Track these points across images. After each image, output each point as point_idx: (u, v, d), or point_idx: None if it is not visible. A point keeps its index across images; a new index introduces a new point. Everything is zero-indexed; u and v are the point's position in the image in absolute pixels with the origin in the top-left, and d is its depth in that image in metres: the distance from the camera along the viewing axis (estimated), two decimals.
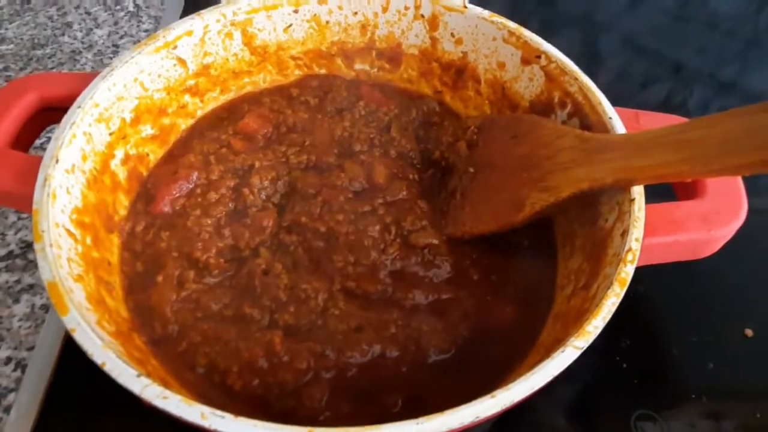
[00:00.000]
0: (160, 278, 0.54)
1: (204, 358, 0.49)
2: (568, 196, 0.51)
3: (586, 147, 0.51)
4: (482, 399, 0.38)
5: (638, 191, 0.50)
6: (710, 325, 0.63)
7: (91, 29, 1.01)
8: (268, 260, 0.55)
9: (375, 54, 0.72)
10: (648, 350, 0.61)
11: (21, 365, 0.62)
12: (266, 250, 0.56)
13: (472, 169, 0.61)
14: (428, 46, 0.70)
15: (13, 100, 0.57)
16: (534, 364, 0.41)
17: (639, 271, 0.46)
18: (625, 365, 0.59)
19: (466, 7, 0.66)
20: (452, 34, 0.68)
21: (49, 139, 0.52)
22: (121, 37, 1.00)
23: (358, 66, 0.73)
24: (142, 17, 1.04)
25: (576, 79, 0.58)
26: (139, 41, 0.67)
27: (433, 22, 0.68)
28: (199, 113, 0.68)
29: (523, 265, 0.58)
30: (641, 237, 0.48)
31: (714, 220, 0.53)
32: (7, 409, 0.58)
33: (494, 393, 0.39)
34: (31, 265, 0.70)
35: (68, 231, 0.49)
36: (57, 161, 0.50)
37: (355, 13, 0.70)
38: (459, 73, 0.70)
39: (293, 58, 0.72)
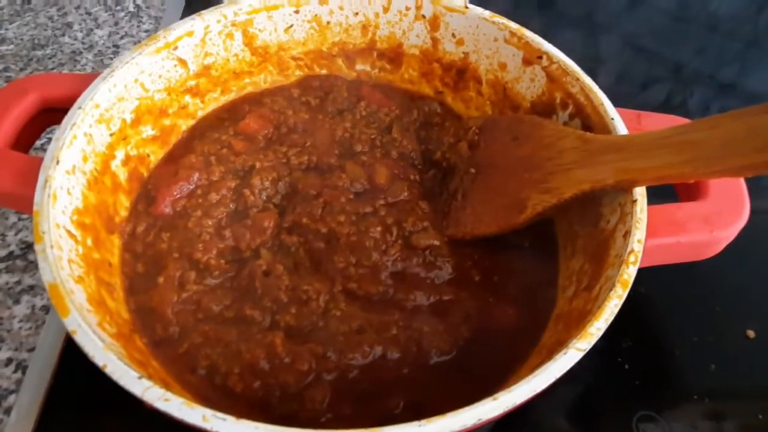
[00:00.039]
0: (161, 279, 0.53)
1: (205, 359, 0.49)
2: (570, 197, 0.51)
3: (587, 148, 0.51)
4: (484, 401, 0.38)
5: (640, 192, 0.50)
6: (712, 326, 0.63)
7: (92, 30, 1.01)
8: (269, 261, 0.55)
9: (376, 54, 0.72)
10: (650, 351, 0.61)
11: (21, 366, 0.62)
12: (267, 251, 0.56)
13: (473, 170, 0.61)
14: (429, 47, 0.70)
15: (14, 100, 0.57)
16: (536, 365, 0.41)
17: (640, 272, 0.46)
18: (626, 366, 0.59)
19: (467, 7, 0.66)
20: (453, 35, 0.68)
21: (50, 140, 0.52)
22: (122, 38, 1.00)
23: (359, 66, 0.73)
24: (142, 17, 1.04)
25: (578, 79, 0.58)
26: (139, 42, 0.66)
27: (434, 23, 0.68)
28: (200, 114, 0.68)
29: (525, 266, 0.58)
30: (643, 238, 0.48)
31: (716, 221, 0.53)
32: (8, 411, 0.58)
33: (496, 395, 0.39)
34: (32, 266, 0.69)
35: (69, 232, 0.49)
36: (58, 162, 0.50)
37: (356, 14, 0.70)
38: (460, 73, 0.70)
39: (294, 58, 0.72)
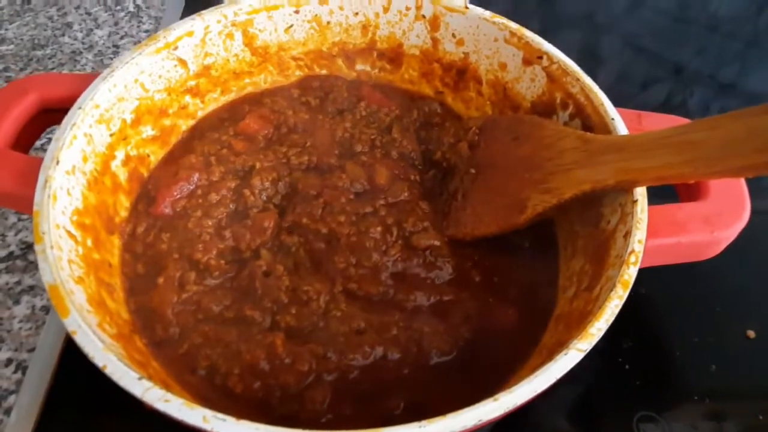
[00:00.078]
0: (161, 280, 0.53)
1: (205, 360, 0.49)
2: (570, 197, 0.51)
3: (588, 148, 0.51)
4: (485, 402, 0.38)
5: (641, 193, 0.50)
6: (712, 327, 0.63)
7: (92, 30, 1.01)
8: (269, 262, 0.55)
9: (376, 55, 0.72)
10: (650, 352, 0.61)
11: (21, 367, 0.62)
12: (267, 252, 0.56)
13: (473, 170, 0.60)
14: (429, 47, 0.70)
15: (14, 101, 0.57)
16: (536, 366, 0.41)
17: (641, 272, 0.46)
18: (627, 367, 0.59)
19: (467, 7, 0.66)
20: (453, 35, 0.68)
21: (50, 140, 0.52)
22: (122, 38, 1.00)
23: (359, 66, 0.73)
24: (142, 18, 1.04)
25: (578, 79, 0.58)
26: (139, 42, 0.66)
27: (434, 23, 0.68)
28: (200, 114, 0.68)
29: (525, 266, 0.58)
30: (644, 239, 0.48)
31: (717, 221, 0.53)
32: (8, 411, 0.58)
33: (497, 396, 0.39)
34: (32, 267, 0.69)
35: (69, 233, 0.49)
36: (58, 162, 0.50)
37: (356, 14, 0.70)
38: (460, 73, 0.70)
39: (294, 58, 0.72)
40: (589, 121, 0.57)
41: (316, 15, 0.69)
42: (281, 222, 0.58)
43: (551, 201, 0.52)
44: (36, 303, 0.66)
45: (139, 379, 0.39)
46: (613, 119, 0.55)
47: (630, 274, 0.46)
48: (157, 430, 0.43)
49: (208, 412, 0.37)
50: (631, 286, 0.45)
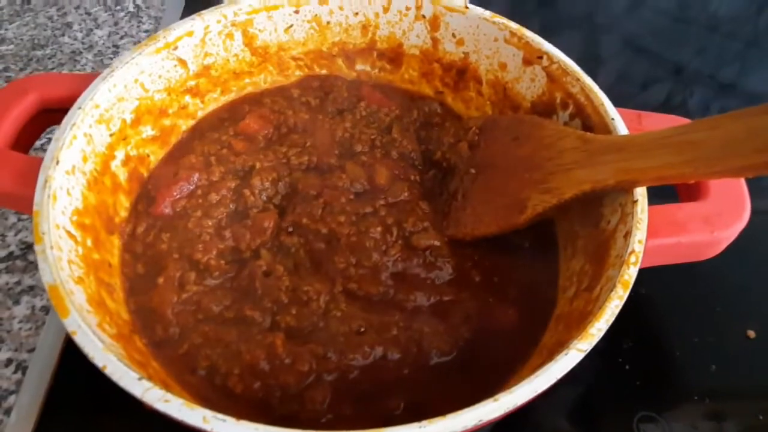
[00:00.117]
0: (161, 280, 0.53)
1: (205, 360, 0.49)
2: (571, 197, 0.51)
3: (588, 148, 0.51)
4: (485, 402, 0.38)
5: (641, 193, 0.50)
6: (712, 327, 0.63)
7: (92, 30, 1.01)
8: (269, 262, 0.55)
9: (376, 54, 0.72)
10: (650, 352, 0.61)
11: (21, 367, 0.61)
12: (267, 252, 0.56)
13: (473, 170, 0.60)
14: (429, 47, 0.70)
15: (13, 101, 0.57)
16: (536, 366, 0.41)
17: (641, 273, 0.46)
18: (627, 367, 0.59)
19: (467, 7, 0.66)
20: (453, 35, 0.68)
21: (50, 140, 0.52)
22: (122, 38, 1.00)
23: (359, 66, 0.73)
24: (142, 18, 1.04)
25: (578, 79, 0.58)
26: (139, 42, 0.66)
27: (434, 23, 0.68)
28: (200, 114, 0.68)
29: (525, 266, 0.57)
30: (644, 239, 0.48)
31: (717, 221, 0.53)
32: (8, 411, 0.58)
33: (497, 396, 0.39)
34: (32, 267, 0.69)
35: (69, 233, 0.49)
36: (57, 162, 0.50)
37: (356, 14, 0.70)
38: (460, 73, 0.70)
39: (294, 58, 0.72)
40: (589, 121, 0.57)
41: (315, 15, 0.69)
42: (281, 222, 0.58)
43: (551, 201, 0.52)
44: (36, 303, 0.66)
45: (139, 379, 0.39)
46: (613, 119, 0.55)
47: (630, 274, 0.46)
48: (157, 430, 0.43)
49: (208, 413, 0.37)
50: (631, 286, 0.45)
